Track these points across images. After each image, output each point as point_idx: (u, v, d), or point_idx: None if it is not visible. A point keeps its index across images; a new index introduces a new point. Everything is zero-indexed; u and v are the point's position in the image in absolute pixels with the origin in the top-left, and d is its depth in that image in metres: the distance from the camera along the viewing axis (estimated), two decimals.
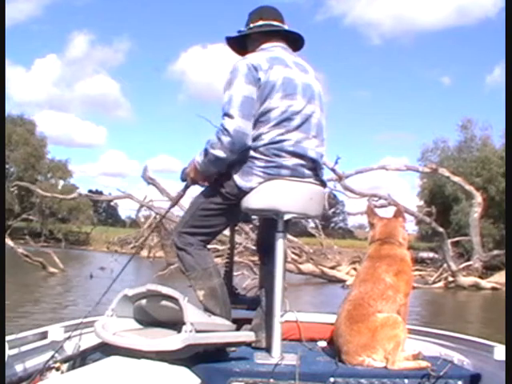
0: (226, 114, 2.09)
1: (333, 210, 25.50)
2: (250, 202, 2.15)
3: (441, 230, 15.83)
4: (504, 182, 15.12)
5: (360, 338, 2.15)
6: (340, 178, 15.56)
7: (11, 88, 56.05)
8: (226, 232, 2.68)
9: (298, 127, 2.19)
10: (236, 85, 2.12)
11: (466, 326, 8.52)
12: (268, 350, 2.18)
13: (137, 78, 74.39)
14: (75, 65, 68.86)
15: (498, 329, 2.82)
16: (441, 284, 16.02)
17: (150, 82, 75.53)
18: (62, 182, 38.98)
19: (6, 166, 33.01)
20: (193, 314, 1.94)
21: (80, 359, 2.09)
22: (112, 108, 78.37)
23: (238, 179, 2.15)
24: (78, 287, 11.91)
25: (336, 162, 14.95)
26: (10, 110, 36.01)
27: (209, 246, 2.29)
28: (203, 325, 1.98)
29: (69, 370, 2.00)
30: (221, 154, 2.10)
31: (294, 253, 15.87)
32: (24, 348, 2.03)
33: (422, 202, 26.68)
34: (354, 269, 15.53)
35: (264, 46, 2.30)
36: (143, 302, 2.07)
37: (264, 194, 2.14)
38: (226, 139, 2.07)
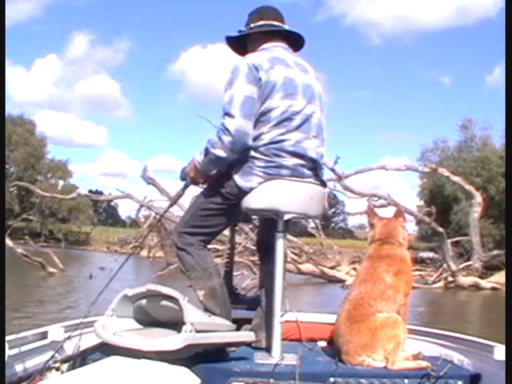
0: (227, 114, 2.09)
1: (333, 209, 25.51)
2: (250, 201, 2.15)
3: (441, 229, 15.83)
4: (504, 182, 15.12)
5: (360, 338, 2.15)
6: (340, 178, 15.57)
7: (11, 88, 56.13)
8: (226, 232, 2.68)
9: (298, 127, 2.19)
10: (237, 84, 2.12)
11: (466, 325, 8.53)
12: (268, 350, 2.18)
13: (137, 78, 74.53)
14: (75, 65, 68.94)
15: (498, 329, 2.82)
16: (441, 284, 16.02)
17: (150, 81, 75.67)
18: (61, 182, 39.01)
19: (6, 166, 32.99)
20: (193, 314, 1.94)
21: (80, 359, 2.09)
22: (112, 108, 78.49)
23: (238, 179, 2.15)
24: (78, 287, 11.90)
25: (336, 162, 14.99)
26: (10, 110, 36.09)
27: (209, 246, 2.29)
28: (203, 325, 1.98)
29: (69, 369, 1.99)
30: (221, 153, 2.10)
31: (293, 253, 15.87)
32: (24, 348, 2.03)
33: (421, 202, 26.69)
34: (354, 269, 15.52)
35: (265, 45, 2.30)
36: (143, 301, 2.07)
37: (264, 193, 2.14)
38: (226, 139, 2.07)
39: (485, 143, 26.33)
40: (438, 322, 8.53)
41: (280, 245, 2.18)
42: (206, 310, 2.17)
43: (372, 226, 2.49)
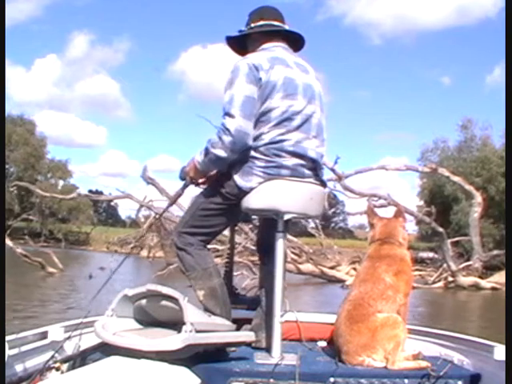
0: (227, 114, 2.09)
1: (333, 209, 25.53)
2: (250, 201, 2.15)
3: (441, 229, 15.84)
4: (504, 182, 15.12)
5: (360, 338, 2.15)
6: (339, 178, 15.57)
7: (11, 88, 56.15)
8: (226, 232, 2.68)
9: (298, 127, 2.19)
10: (237, 84, 2.11)
11: (466, 325, 8.52)
12: (268, 350, 2.18)
13: (137, 78, 74.56)
14: (75, 65, 68.97)
15: (498, 329, 2.82)
16: (441, 284, 16.02)
17: (150, 81, 75.69)
18: (61, 182, 39.02)
19: (6, 166, 32.99)
20: (193, 314, 1.94)
21: (80, 359, 2.09)
22: (112, 108, 78.50)
23: (238, 179, 2.15)
24: (78, 287, 11.90)
25: (335, 162, 15.00)
26: (10, 110, 36.09)
27: (209, 246, 2.29)
28: (203, 325, 1.97)
29: (69, 369, 1.99)
30: (222, 153, 2.09)
31: (293, 253, 15.87)
32: (24, 348, 2.03)
33: (421, 202, 26.70)
34: (354, 269, 15.53)
35: (265, 45, 2.30)
36: (143, 301, 2.07)
37: (264, 193, 2.14)
38: (227, 139, 2.07)
39: (485, 143, 26.34)
40: (438, 322, 8.52)
41: (280, 245, 2.18)
42: (206, 309, 2.17)
43: (372, 226, 2.49)
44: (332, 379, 2.01)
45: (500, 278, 15.16)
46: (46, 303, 8.89)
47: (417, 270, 17.47)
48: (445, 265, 16.23)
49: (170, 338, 1.89)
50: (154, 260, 19.06)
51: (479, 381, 2.12)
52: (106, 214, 56.76)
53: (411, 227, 22.50)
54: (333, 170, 15.17)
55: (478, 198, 16.62)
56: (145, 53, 72.38)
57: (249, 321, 2.42)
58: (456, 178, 17.39)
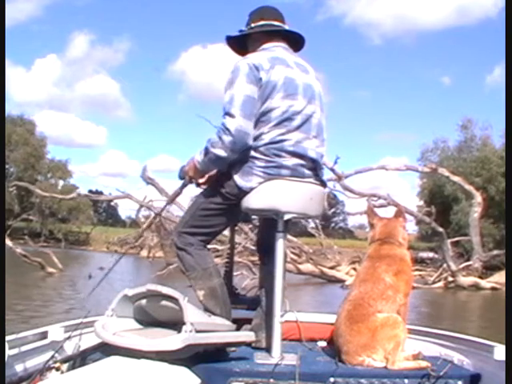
0: (228, 114, 2.09)
1: (333, 209, 25.53)
2: (250, 202, 2.15)
3: (440, 229, 15.85)
4: (504, 182, 15.12)
5: (360, 338, 2.15)
6: (339, 178, 15.58)
7: (11, 88, 56.17)
8: (226, 232, 2.68)
9: (298, 127, 2.19)
10: (237, 84, 2.11)
11: (466, 325, 8.53)
12: (268, 350, 2.18)
13: (137, 78, 74.47)
14: (75, 65, 68.90)
15: (498, 329, 2.82)
16: (441, 284, 16.03)
17: (150, 81, 75.59)
18: (61, 182, 39.00)
19: (6, 166, 32.99)
20: (193, 314, 1.94)
21: (80, 359, 2.08)
22: (112, 108, 78.47)
23: (238, 179, 2.15)
24: (77, 287, 11.89)
25: (335, 162, 15.01)
26: (10, 110, 36.10)
27: (209, 246, 2.29)
28: (203, 325, 1.97)
29: (69, 369, 1.99)
30: (222, 153, 2.09)
31: (293, 253, 15.88)
32: (24, 348, 2.03)
33: (421, 202, 26.71)
34: (354, 269, 15.54)
35: (265, 45, 2.30)
36: (143, 302, 2.07)
37: (264, 194, 2.14)
38: (227, 138, 2.07)
39: (485, 143, 26.35)
40: (438, 322, 8.52)
41: (280, 245, 2.18)
42: (206, 309, 2.17)
43: (372, 226, 2.49)
44: (332, 379, 2.01)
45: (500, 277, 15.17)
46: (46, 303, 8.89)
47: (417, 269, 17.48)
48: (445, 265, 16.24)
49: (170, 338, 1.89)
50: (153, 260, 19.05)
51: (479, 381, 2.12)
52: (106, 214, 56.76)
53: (411, 227, 22.56)
54: (333, 170, 15.18)
55: (478, 197, 16.62)
56: (145, 53, 72.41)
57: (249, 321, 2.42)
58: (456, 178, 17.39)
